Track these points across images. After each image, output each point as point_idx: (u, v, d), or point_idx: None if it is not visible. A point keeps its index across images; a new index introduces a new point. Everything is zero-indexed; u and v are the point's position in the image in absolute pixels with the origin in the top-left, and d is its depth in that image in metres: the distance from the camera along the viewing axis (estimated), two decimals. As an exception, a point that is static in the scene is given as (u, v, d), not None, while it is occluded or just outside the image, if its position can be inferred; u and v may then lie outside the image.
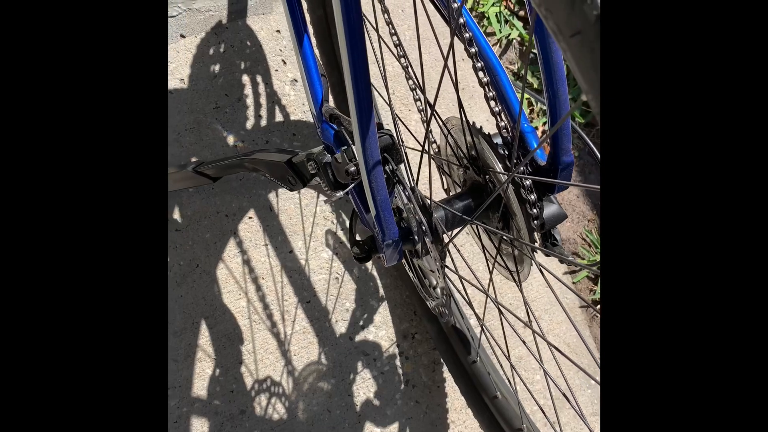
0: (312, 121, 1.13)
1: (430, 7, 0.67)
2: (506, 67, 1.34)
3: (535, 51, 0.58)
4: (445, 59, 0.51)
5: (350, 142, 0.62)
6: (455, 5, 0.63)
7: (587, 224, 1.29)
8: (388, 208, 0.59)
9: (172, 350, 1.01)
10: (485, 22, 1.32)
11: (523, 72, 1.33)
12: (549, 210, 0.65)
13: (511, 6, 1.34)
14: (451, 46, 0.51)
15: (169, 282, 1.03)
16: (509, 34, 1.32)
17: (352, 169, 0.61)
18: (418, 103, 0.71)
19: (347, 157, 0.61)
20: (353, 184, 0.62)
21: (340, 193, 0.62)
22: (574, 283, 1.26)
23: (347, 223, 1.13)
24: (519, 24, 1.33)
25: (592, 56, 0.29)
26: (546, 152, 0.67)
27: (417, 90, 0.67)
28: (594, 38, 0.28)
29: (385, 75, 0.64)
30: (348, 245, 1.12)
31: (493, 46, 1.33)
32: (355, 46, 0.48)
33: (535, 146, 0.66)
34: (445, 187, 0.80)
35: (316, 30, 0.98)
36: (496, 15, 1.32)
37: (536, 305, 1.20)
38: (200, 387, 1.00)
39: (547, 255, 0.69)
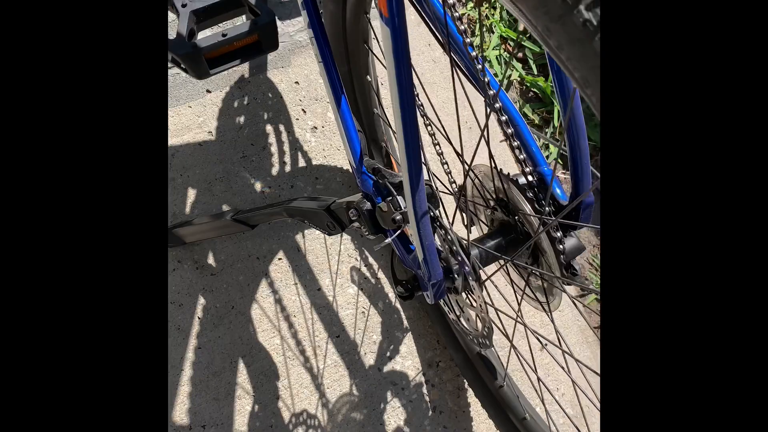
0: (337, 167, 1.21)
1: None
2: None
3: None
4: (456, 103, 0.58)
5: (394, 193, 0.69)
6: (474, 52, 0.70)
7: (592, 249, 1.36)
8: (434, 252, 0.65)
9: (212, 389, 1.06)
10: (487, 64, 1.41)
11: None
12: (569, 243, 0.71)
13: (510, 49, 1.43)
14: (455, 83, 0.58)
15: (207, 324, 1.08)
16: (510, 75, 1.41)
17: (398, 217, 0.67)
18: (437, 147, 0.78)
19: (393, 207, 0.68)
20: (397, 232, 0.69)
21: (389, 240, 0.69)
22: (585, 306, 1.33)
23: (370, 259, 1.19)
24: (518, 65, 1.42)
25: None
26: (566, 193, 0.74)
27: (439, 143, 0.74)
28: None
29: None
30: (371, 280, 1.18)
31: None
32: (407, 113, 0.55)
33: (558, 190, 0.73)
34: (466, 223, 0.87)
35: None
36: (497, 57, 1.40)
37: (556, 327, 1.26)
38: (241, 423, 1.05)
39: (569, 284, 0.76)
